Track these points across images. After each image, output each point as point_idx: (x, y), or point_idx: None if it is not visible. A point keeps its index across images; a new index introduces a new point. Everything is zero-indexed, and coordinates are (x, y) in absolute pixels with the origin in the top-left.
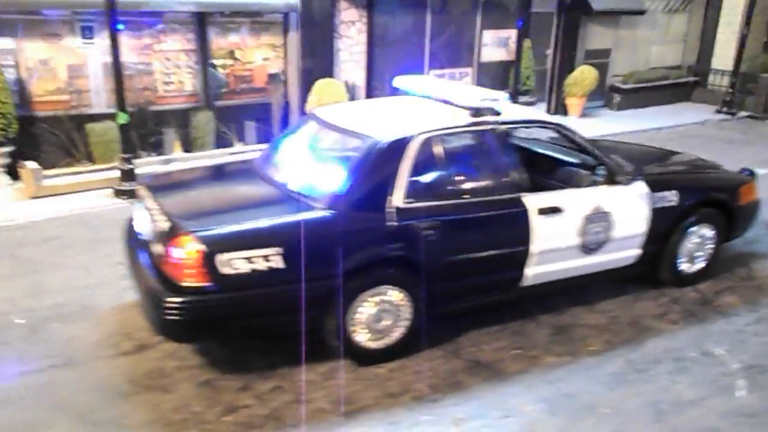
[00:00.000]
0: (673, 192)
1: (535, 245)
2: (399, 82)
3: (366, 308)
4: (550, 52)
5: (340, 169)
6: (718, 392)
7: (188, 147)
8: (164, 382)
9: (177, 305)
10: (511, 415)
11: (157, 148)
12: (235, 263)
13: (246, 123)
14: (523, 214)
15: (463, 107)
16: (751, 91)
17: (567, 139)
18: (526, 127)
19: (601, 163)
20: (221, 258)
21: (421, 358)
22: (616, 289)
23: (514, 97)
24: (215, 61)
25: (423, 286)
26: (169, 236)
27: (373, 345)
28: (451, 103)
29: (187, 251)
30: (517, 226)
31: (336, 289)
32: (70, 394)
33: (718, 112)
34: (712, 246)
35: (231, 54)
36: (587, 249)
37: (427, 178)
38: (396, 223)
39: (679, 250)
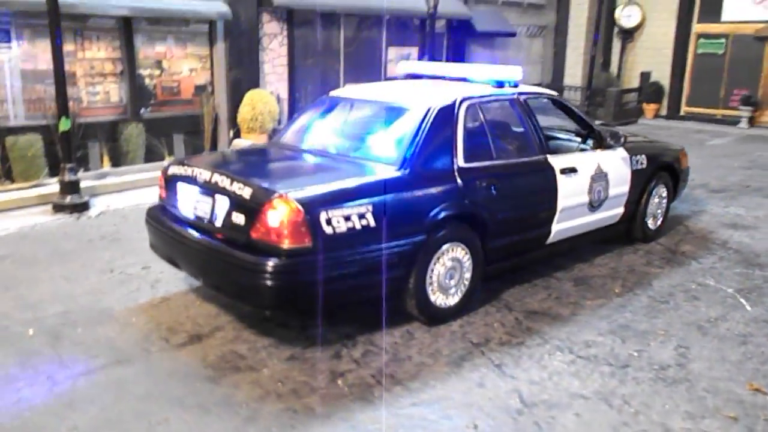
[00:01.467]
0: (643, 156)
1: (559, 202)
2: (405, 66)
3: (438, 266)
4: None
5: (397, 135)
6: (732, 309)
7: (117, 161)
8: (248, 363)
9: (278, 269)
10: (592, 345)
11: (84, 163)
12: (334, 222)
13: (175, 135)
14: (552, 173)
15: (485, 82)
16: (601, 104)
17: (565, 109)
18: (537, 99)
19: (592, 131)
20: (323, 216)
21: (480, 314)
22: (599, 249)
23: None
24: (143, 72)
25: (481, 244)
26: (258, 201)
27: (444, 303)
28: (467, 80)
29: (287, 212)
30: (548, 184)
31: (421, 246)
32: (150, 386)
33: None
34: (665, 205)
35: (158, 64)
36: (592, 206)
37: (476, 141)
38: (462, 182)
39: (647, 210)
